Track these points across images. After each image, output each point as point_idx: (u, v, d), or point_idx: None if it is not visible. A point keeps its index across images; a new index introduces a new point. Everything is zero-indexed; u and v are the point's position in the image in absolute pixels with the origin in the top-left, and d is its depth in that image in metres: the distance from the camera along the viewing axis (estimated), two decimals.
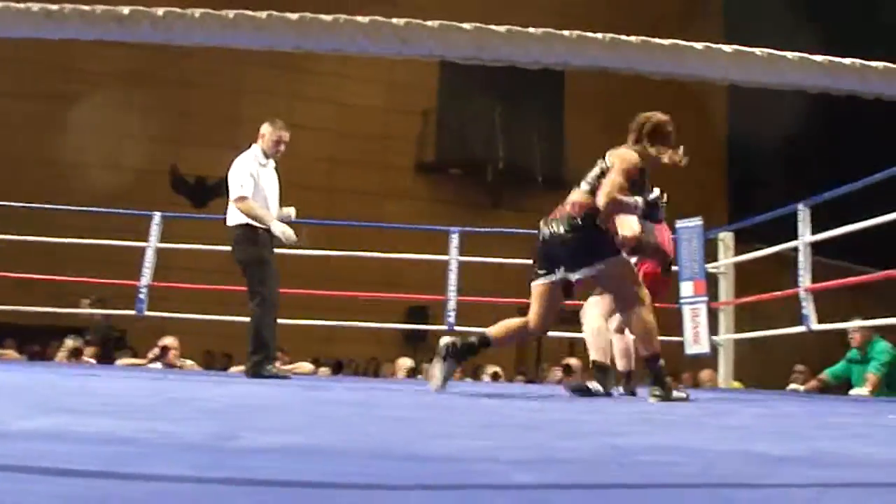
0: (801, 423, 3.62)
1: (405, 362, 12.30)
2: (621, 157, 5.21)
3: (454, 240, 8.93)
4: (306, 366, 10.91)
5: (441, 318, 8.99)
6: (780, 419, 3.86)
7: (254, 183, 7.04)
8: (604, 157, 5.30)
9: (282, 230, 6.88)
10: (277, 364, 7.21)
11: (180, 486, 1.27)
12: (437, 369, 5.29)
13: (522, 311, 5.47)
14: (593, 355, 5.84)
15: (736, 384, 10.29)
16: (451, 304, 8.79)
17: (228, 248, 7.18)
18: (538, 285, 5.30)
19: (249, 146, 7.17)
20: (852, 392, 8.49)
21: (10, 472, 1.33)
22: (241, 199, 6.97)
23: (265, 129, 7.18)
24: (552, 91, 19.86)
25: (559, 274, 5.22)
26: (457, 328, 8.84)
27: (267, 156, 7.16)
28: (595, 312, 6.04)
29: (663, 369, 5.16)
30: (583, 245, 5.16)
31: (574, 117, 20.87)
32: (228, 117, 17.90)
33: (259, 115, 6.92)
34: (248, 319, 6.99)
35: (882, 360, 8.41)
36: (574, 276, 5.25)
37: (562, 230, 5.14)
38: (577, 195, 5.24)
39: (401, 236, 14.26)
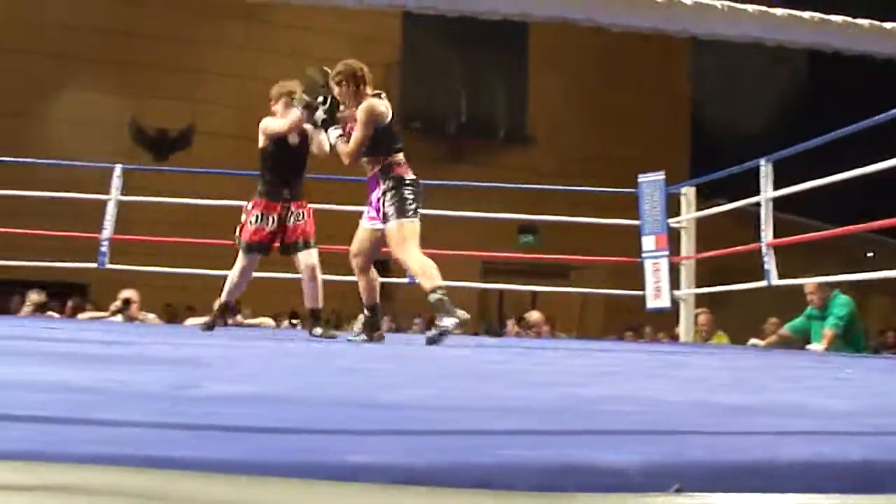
0: (758, 375, 3.66)
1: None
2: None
3: None
4: (268, 321, 10.91)
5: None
6: (737, 372, 3.91)
7: None
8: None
9: None
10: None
11: (138, 431, 1.28)
12: None
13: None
14: None
15: (722, 337, 10.34)
16: None
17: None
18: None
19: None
20: (809, 347, 8.52)
21: None
22: None
23: None
24: (516, 45, 19.79)
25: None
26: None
27: None
28: None
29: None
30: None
31: (538, 73, 20.83)
32: (187, 69, 17.75)
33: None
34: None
35: (840, 314, 8.39)
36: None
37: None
38: None
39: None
